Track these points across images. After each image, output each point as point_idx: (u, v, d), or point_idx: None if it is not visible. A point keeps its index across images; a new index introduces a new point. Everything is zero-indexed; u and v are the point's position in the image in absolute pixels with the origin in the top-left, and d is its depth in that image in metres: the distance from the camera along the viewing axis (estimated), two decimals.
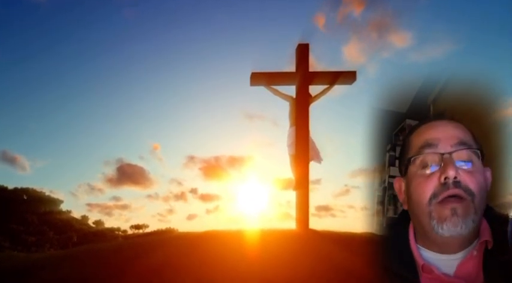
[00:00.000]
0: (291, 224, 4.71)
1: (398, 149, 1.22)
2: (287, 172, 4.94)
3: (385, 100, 1.44)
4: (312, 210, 5.63)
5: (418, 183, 0.95)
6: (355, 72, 4.92)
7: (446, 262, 0.96)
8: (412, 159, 0.97)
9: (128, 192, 31.94)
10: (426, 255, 0.98)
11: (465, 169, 0.92)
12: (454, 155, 0.93)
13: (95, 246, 4.95)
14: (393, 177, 1.46)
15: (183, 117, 28.21)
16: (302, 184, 4.62)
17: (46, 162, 27.22)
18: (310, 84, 4.81)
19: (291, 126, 4.84)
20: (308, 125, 4.72)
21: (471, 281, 0.94)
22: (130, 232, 21.10)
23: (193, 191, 24.92)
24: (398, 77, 1.49)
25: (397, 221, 1.09)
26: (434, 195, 0.92)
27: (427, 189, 0.93)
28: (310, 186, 4.69)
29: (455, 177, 0.90)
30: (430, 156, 0.95)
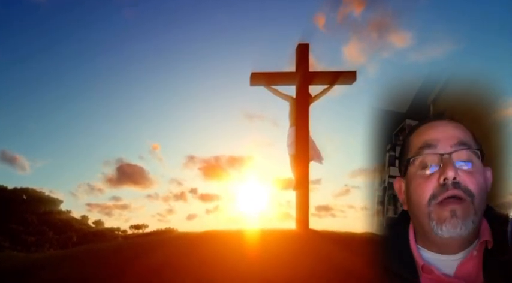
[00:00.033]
0: (291, 224, 4.72)
1: (398, 149, 1.22)
2: (287, 172, 4.95)
3: (385, 100, 1.44)
4: (312, 210, 5.64)
5: (418, 184, 0.95)
6: (355, 72, 4.92)
7: (446, 263, 0.96)
8: (412, 159, 0.97)
9: (128, 192, 31.97)
10: (426, 256, 0.98)
11: (465, 170, 0.92)
12: (454, 156, 0.93)
13: (94, 246, 4.94)
14: (393, 177, 1.46)
15: (183, 117, 28.23)
16: (302, 184, 4.62)
17: (46, 162, 27.25)
18: (310, 84, 4.81)
19: (290, 126, 4.84)
20: (308, 125, 4.72)
21: (471, 281, 0.94)
22: (130, 232, 21.12)
23: (193, 191, 24.95)
24: (398, 77, 1.49)
25: (397, 221, 1.09)
26: (433, 196, 0.92)
27: (427, 190, 0.93)
28: (310, 186, 4.70)
29: (454, 178, 0.90)
30: (429, 157, 0.94)
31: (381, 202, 1.62)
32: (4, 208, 20.17)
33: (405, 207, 1.03)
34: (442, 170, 0.91)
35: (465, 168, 0.93)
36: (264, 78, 4.88)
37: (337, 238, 4.11)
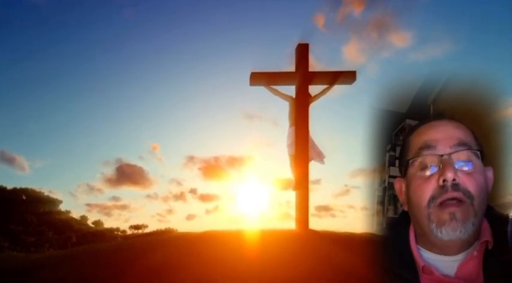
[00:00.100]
0: (291, 224, 4.71)
1: (398, 149, 1.22)
2: (287, 172, 4.94)
3: (385, 100, 1.44)
4: (311, 210, 5.64)
5: (417, 185, 0.95)
6: (355, 72, 4.92)
7: (446, 263, 0.96)
8: (411, 160, 0.97)
9: (127, 192, 31.98)
10: (426, 256, 0.98)
11: (465, 171, 0.92)
12: (454, 156, 0.92)
13: (94, 246, 4.94)
14: (393, 177, 1.46)
15: (182, 117, 28.24)
16: (302, 184, 4.61)
17: (45, 162, 27.27)
18: (310, 84, 4.80)
19: (290, 126, 4.83)
20: (308, 125, 4.71)
21: (472, 282, 0.93)
22: (129, 232, 21.10)
23: (193, 191, 24.97)
24: (398, 76, 1.48)
25: (398, 221, 1.08)
26: (432, 198, 0.92)
27: (426, 191, 0.92)
28: (310, 186, 4.70)
29: (454, 180, 0.90)
30: (429, 158, 0.94)
31: (381, 203, 1.62)
32: (4, 209, 20.15)
33: (405, 208, 1.03)
34: (441, 171, 0.91)
35: (465, 168, 0.92)
36: (264, 78, 4.87)
37: (337, 238, 4.11)
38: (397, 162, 1.27)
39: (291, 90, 4.89)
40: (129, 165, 23.38)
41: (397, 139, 1.52)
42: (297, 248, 3.68)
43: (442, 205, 0.90)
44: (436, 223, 0.91)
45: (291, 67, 4.95)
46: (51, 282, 3.46)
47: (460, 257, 0.95)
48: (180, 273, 3.24)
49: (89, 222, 23.47)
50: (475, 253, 0.94)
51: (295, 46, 4.90)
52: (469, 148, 0.93)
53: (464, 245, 0.94)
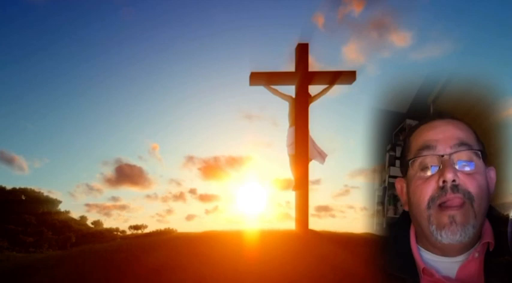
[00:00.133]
0: (291, 225, 4.70)
1: (398, 149, 1.22)
2: (287, 172, 4.94)
3: (385, 100, 1.43)
4: (311, 210, 5.63)
5: (417, 186, 0.94)
6: (354, 71, 4.91)
7: (447, 265, 0.95)
8: (411, 161, 0.96)
9: (127, 192, 31.95)
10: (427, 257, 0.97)
11: (465, 171, 0.91)
12: (454, 156, 0.91)
13: (93, 247, 4.92)
14: (393, 177, 1.45)
15: (182, 117, 28.27)
16: (302, 184, 4.61)
17: (44, 163, 27.23)
18: (310, 83, 4.80)
19: (290, 126, 4.83)
20: (307, 125, 4.71)
21: None
22: (129, 232, 21.07)
23: (192, 191, 24.99)
24: (398, 76, 1.48)
25: (398, 222, 1.08)
26: (432, 199, 0.91)
27: (426, 192, 0.92)
28: (310, 187, 4.68)
29: (453, 180, 0.89)
30: (429, 158, 0.93)
31: (381, 203, 1.61)
32: (2, 209, 20.11)
33: (406, 208, 1.02)
34: (441, 172, 0.90)
35: (467, 169, 0.91)
36: (264, 78, 4.87)
37: (337, 238, 4.11)
38: (397, 162, 1.26)
39: (290, 90, 4.89)
40: (128, 165, 23.41)
41: (397, 139, 1.52)
42: (297, 248, 3.68)
43: (442, 207, 0.90)
44: (436, 225, 0.90)
45: (290, 67, 4.95)
46: None
47: (460, 258, 0.94)
48: (179, 273, 3.24)
49: (88, 222, 23.48)
50: (476, 254, 0.93)
51: (294, 46, 4.90)
52: (470, 148, 0.92)
53: (465, 247, 0.93)
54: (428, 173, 0.93)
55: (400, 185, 1.04)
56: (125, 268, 3.44)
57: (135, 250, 4.02)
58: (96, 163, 33.89)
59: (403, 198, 1.03)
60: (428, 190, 0.92)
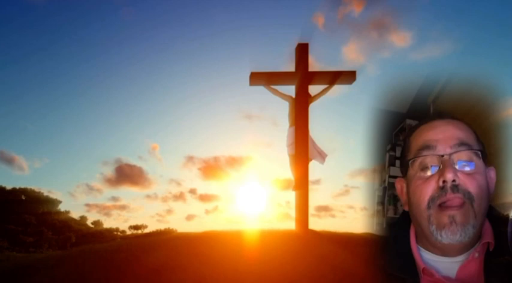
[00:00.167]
0: (291, 225, 4.70)
1: (398, 149, 1.21)
2: (287, 172, 4.94)
3: (385, 100, 1.43)
4: (311, 210, 5.63)
5: (417, 186, 0.94)
6: (354, 71, 4.91)
7: (447, 265, 0.95)
8: (411, 161, 0.96)
9: (127, 192, 31.94)
10: (427, 257, 0.97)
11: (465, 171, 0.91)
12: (455, 156, 0.91)
13: (93, 247, 4.92)
14: (393, 177, 1.45)
15: (182, 117, 28.29)
16: (302, 184, 4.61)
17: (44, 163, 27.24)
18: (310, 83, 4.80)
19: (290, 126, 4.83)
20: (307, 125, 4.71)
21: None
22: (129, 232, 21.07)
23: (192, 191, 24.99)
24: (398, 76, 1.48)
25: (398, 222, 1.08)
26: (432, 199, 0.91)
27: (426, 192, 0.92)
28: (310, 187, 4.68)
29: (453, 180, 0.89)
30: (429, 158, 0.93)
31: (381, 203, 1.61)
32: (2, 209, 20.11)
33: (406, 208, 1.02)
34: (441, 172, 0.90)
35: (467, 169, 0.91)
36: (264, 78, 4.87)
37: (337, 238, 4.11)
38: (397, 162, 1.26)
39: (290, 90, 4.89)
40: (128, 165, 23.42)
41: (397, 139, 1.51)
42: (297, 248, 3.68)
43: (442, 207, 0.90)
44: (436, 225, 0.90)
45: (290, 67, 4.95)
46: None
47: (460, 258, 0.94)
48: (179, 273, 3.24)
49: (88, 222, 23.49)
50: (476, 254, 0.93)
51: (294, 46, 4.90)
52: (470, 148, 0.92)
53: (465, 247, 0.93)
54: (429, 173, 0.93)
55: (400, 185, 1.04)
56: (124, 268, 3.44)
57: (135, 250, 4.02)
58: (96, 163, 33.92)
59: (403, 198, 1.03)
60: (428, 190, 0.92)
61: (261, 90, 4.94)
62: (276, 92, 4.90)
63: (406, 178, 1.00)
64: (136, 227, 20.90)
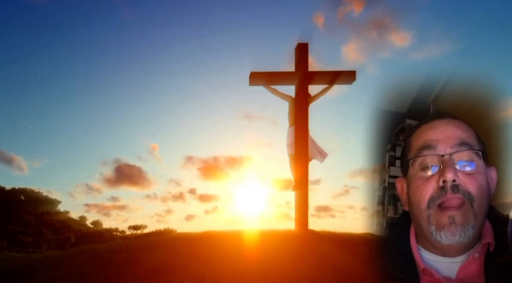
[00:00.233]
0: (290, 225, 4.70)
1: (398, 149, 1.21)
2: (286, 172, 4.93)
3: (385, 100, 1.43)
4: (311, 210, 5.63)
5: (417, 186, 0.94)
6: (354, 71, 4.91)
7: (447, 265, 0.95)
8: (411, 161, 0.96)
9: (126, 192, 31.84)
10: (427, 257, 0.97)
11: (465, 171, 0.90)
12: (455, 156, 0.91)
13: (92, 247, 4.91)
14: (393, 177, 1.45)
15: (181, 117, 28.26)
16: (301, 184, 4.61)
17: (43, 163, 27.17)
18: (310, 83, 4.80)
19: (290, 126, 4.82)
20: (307, 125, 4.71)
21: None
22: (128, 232, 21.03)
23: (192, 191, 24.92)
24: (398, 76, 1.48)
25: (398, 222, 1.08)
26: (432, 199, 0.91)
27: (426, 192, 0.92)
28: (310, 187, 4.68)
29: (454, 180, 0.88)
30: (429, 158, 0.93)
31: (381, 203, 1.61)
32: (2, 209, 20.09)
33: (406, 208, 1.02)
34: (441, 172, 0.90)
35: (468, 169, 0.91)
36: (264, 78, 4.87)
37: (337, 239, 4.11)
38: (397, 162, 1.26)
39: (290, 90, 4.89)
40: (127, 165, 23.39)
41: (397, 139, 1.51)
42: (297, 248, 3.67)
43: (442, 208, 0.89)
44: (436, 226, 0.90)
45: (290, 67, 4.95)
46: None
47: (461, 259, 0.94)
48: (179, 274, 3.23)
49: (88, 223, 23.44)
50: (476, 255, 0.93)
51: (294, 46, 4.90)
52: (471, 148, 0.92)
53: (465, 247, 0.93)
54: (429, 173, 0.93)
55: (400, 185, 1.04)
56: (124, 269, 3.43)
57: (135, 250, 4.02)
58: (96, 163, 33.80)
59: (403, 198, 1.03)
60: (429, 190, 0.91)
61: (260, 90, 4.94)
62: (275, 92, 4.90)
63: (406, 178, 1.00)
64: (135, 227, 20.88)
